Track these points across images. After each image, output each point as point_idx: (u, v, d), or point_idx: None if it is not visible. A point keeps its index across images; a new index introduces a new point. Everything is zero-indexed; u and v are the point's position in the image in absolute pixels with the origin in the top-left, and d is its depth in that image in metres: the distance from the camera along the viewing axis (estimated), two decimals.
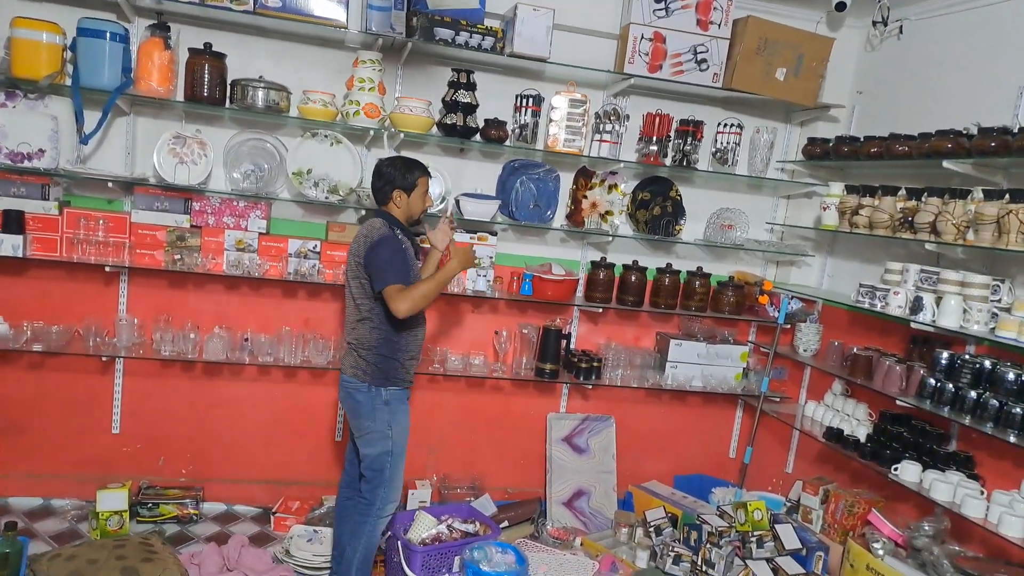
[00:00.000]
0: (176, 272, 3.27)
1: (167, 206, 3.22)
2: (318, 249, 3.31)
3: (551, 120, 3.39)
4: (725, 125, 3.62)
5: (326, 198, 3.22)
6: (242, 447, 3.58)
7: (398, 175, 2.67)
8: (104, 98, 2.99)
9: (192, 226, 3.24)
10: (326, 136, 3.27)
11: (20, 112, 3.00)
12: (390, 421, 2.64)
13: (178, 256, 3.21)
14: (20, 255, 3.02)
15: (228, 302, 3.44)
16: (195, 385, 3.49)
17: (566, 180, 3.62)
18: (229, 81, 3.11)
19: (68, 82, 2.98)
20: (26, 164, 2.99)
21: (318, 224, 3.46)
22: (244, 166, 3.26)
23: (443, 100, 3.31)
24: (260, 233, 3.29)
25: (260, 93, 3.08)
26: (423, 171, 2.71)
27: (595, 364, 3.60)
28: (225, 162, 3.25)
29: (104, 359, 3.33)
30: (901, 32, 3.42)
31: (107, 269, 3.16)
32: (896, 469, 2.94)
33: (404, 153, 3.45)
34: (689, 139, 3.54)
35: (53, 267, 3.23)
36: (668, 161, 3.58)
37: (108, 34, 2.93)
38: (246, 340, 3.37)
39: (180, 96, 3.12)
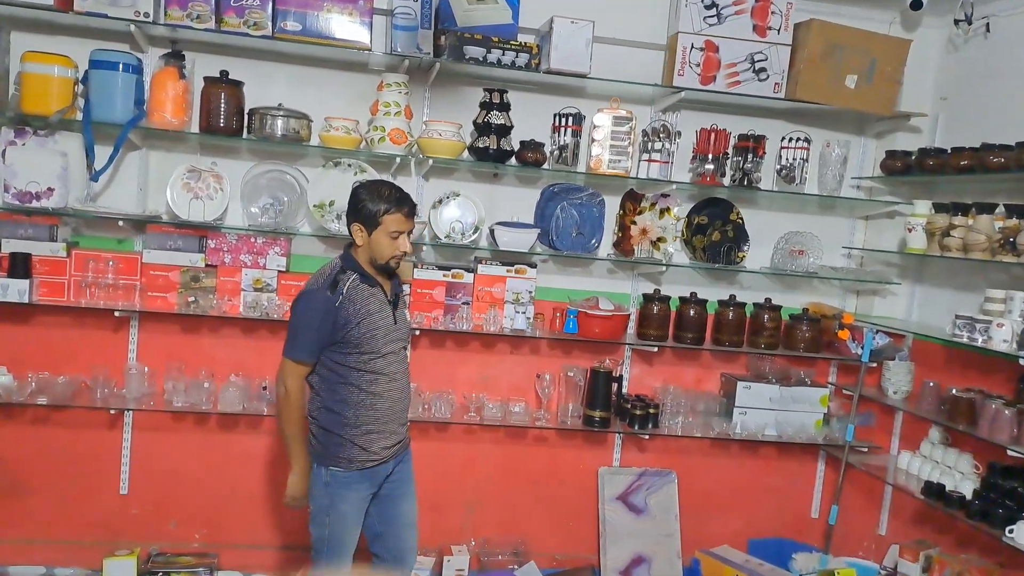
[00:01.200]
0: (189, 316, 3.33)
1: (180, 245, 3.31)
2: None
3: (593, 140, 3.41)
4: (790, 139, 3.61)
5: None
6: (262, 508, 3.61)
7: (360, 204, 2.48)
8: (116, 132, 3.09)
9: (207, 265, 3.32)
10: (349, 165, 3.35)
11: (30, 150, 3.12)
12: (328, 507, 2.54)
13: (192, 298, 3.28)
14: (26, 300, 3.11)
15: (245, 347, 3.50)
16: (209, 439, 3.54)
17: (612, 205, 3.63)
18: (247, 110, 3.20)
19: (79, 116, 3.08)
20: (34, 204, 3.10)
21: None
22: (262, 200, 3.34)
23: (474, 123, 3.36)
24: (279, 271, 3.36)
25: (279, 122, 3.16)
26: (397, 204, 2.46)
27: (651, 410, 3.59)
28: (242, 196, 3.33)
29: (112, 412, 3.39)
30: (988, 30, 3.40)
31: (116, 314, 3.23)
32: (1011, 531, 2.83)
33: (434, 181, 3.52)
34: (750, 156, 3.54)
35: (60, 313, 3.33)
36: (727, 181, 3.57)
37: (121, 65, 3.04)
38: (264, 388, 3.41)
39: (195, 127, 3.21)
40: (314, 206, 3.31)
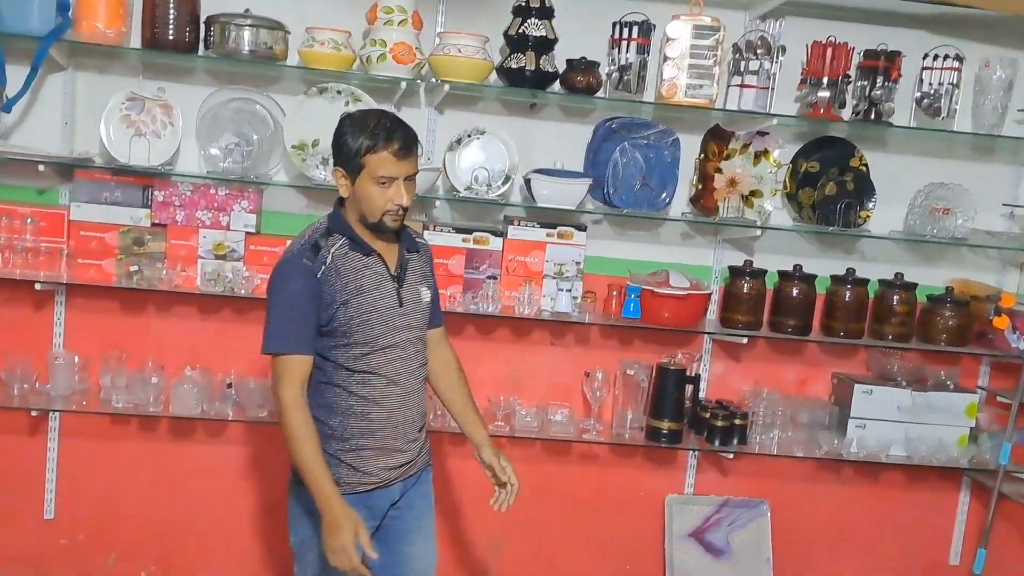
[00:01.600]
0: (132, 290, 3.33)
1: (119, 197, 3.31)
2: None
3: (666, 58, 3.34)
4: (935, 57, 3.52)
5: None
6: (227, 535, 3.64)
7: (341, 141, 2.42)
8: (32, 47, 3.07)
9: (154, 224, 3.32)
10: (339, 92, 3.31)
11: None
12: (312, 541, 2.52)
13: (135, 267, 3.28)
14: None
15: (204, 331, 3.51)
16: (159, 449, 3.56)
17: (689, 147, 3.59)
18: (203, 18, 3.18)
19: None
20: None
21: None
22: (225, 138, 3.32)
23: (505, 34, 3.31)
24: (248, 232, 3.35)
25: (246, 34, 3.14)
26: (385, 139, 2.37)
27: (737, 422, 3.57)
28: (198, 133, 3.32)
29: (33, 413, 3.41)
30: None
31: (37, 287, 3.22)
32: None
33: (452, 115, 3.49)
34: (879, 79, 3.45)
35: None
36: (847, 114, 3.50)
37: None
38: (229, 386, 3.41)
39: (136, 41, 3.20)
40: (292, 147, 3.30)
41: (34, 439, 3.49)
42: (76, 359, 3.37)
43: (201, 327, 3.50)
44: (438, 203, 3.43)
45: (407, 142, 2.41)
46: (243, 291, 3.29)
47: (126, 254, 3.28)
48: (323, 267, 2.42)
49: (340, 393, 2.50)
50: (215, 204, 3.32)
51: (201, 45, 3.18)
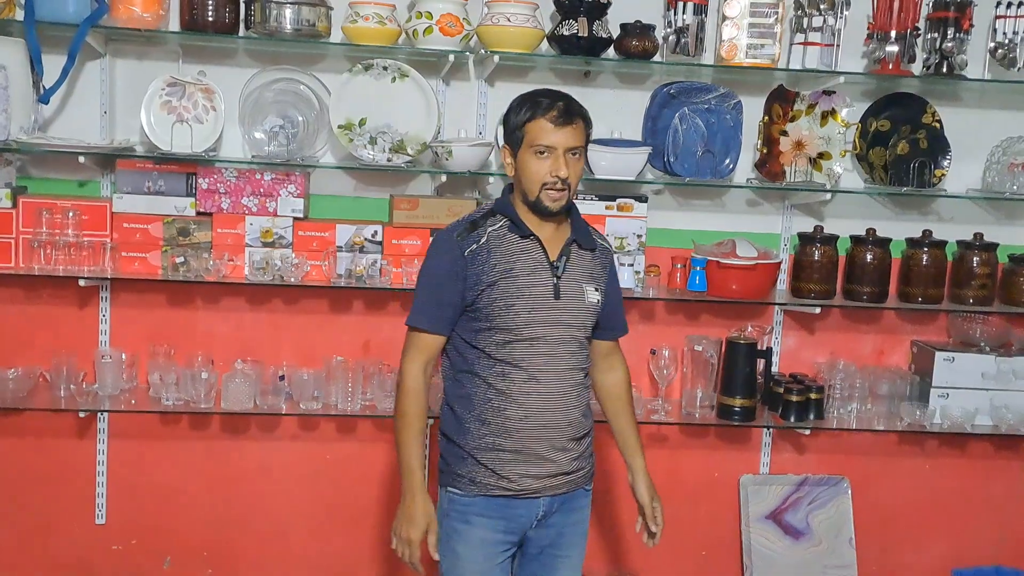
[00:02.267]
0: (178, 282, 3.34)
1: (162, 186, 3.29)
2: (380, 237, 3.33)
3: (725, 18, 3.33)
4: (1008, 5, 3.45)
5: (388, 160, 3.25)
6: (283, 537, 3.61)
7: (506, 117, 2.45)
8: (68, 35, 3.06)
9: (199, 213, 3.31)
10: (385, 68, 3.29)
11: None
12: (444, 546, 2.46)
13: (180, 259, 3.26)
14: None
15: (254, 323, 3.51)
16: (211, 447, 3.55)
17: (752, 110, 3.53)
18: None
19: (18, 15, 3.07)
20: None
21: (378, 200, 3.49)
22: (269, 121, 3.30)
23: (555, 1, 3.29)
24: (296, 218, 3.33)
25: (288, 11, 3.12)
26: (542, 107, 2.37)
27: (813, 396, 3.53)
28: (241, 117, 3.30)
29: (81, 415, 3.40)
30: None
31: (81, 283, 3.22)
32: None
33: (503, 86, 3.49)
34: (950, 30, 3.40)
35: (6, 283, 3.35)
36: (917, 68, 3.47)
37: None
38: (282, 378, 3.38)
39: (174, 24, 3.21)
40: (339, 127, 3.28)
41: (83, 441, 3.47)
42: (124, 356, 3.36)
43: (251, 319, 3.49)
44: (491, 179, 3.42)
45: (567, 111, 2.37)
46: (293, 279, 3.25)
47: (171, 245, 3.25)
48: (474, 246, 2.39)
49: (479, 384, 2.43)
50: (261, 190, 3.30)
51: (241, 25, 3.19)
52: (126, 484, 3.50)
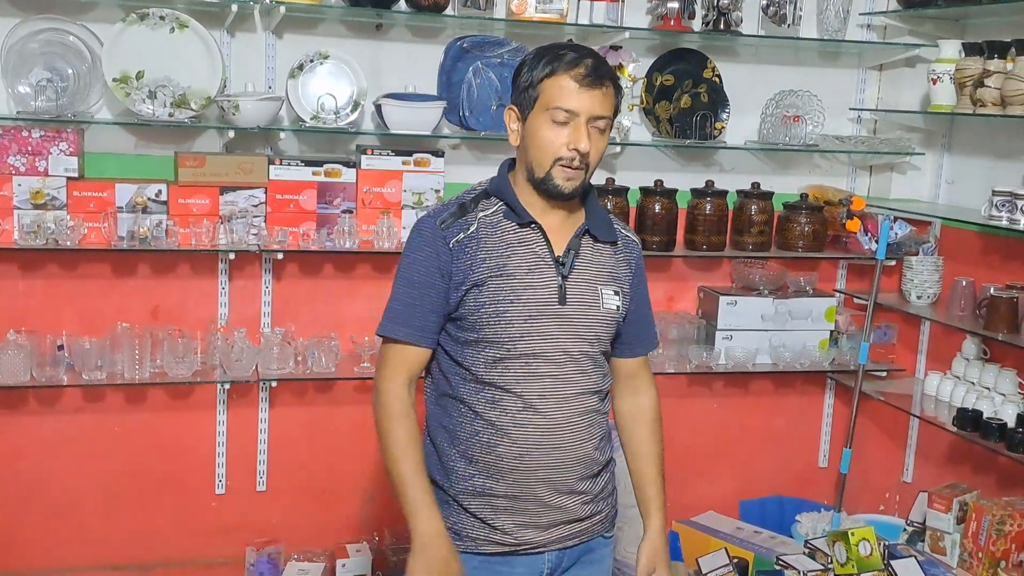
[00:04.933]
0: None
1: None
2: (164, 196, 3.24)
3: None
4: None
5: (171, 115, 3.16)
6: (71, 514, 3.50)
7: (518, 73, 2.01)
8: None
9: None
10: (162, 18, 3.19)
11: None
12: None
13: None
14: None
15: (28, 291, 3.37)
16: None
17: None
18: None
19: None
20: None
21: (161, 157, 3.39)
22: (36, 74, 3.16)
23: None
24: (69, 178, 3.19)
25: None
26: (567, 61, 1.93)
27: None
28: (4, 70, 3.14)
29: None
30: None
31: None
32: None
33: (292, 39, 3.43)
34: None
35: None
36: (697, 24, 3.56)
37: None
38: (61, 348, 3.26)
39: None
40: (114, 80, 3.16)
41: None
42: None
43: (24, 286, 3.33)
44: (283, 135, 3.36)
45: (597, 70, 1.94)
46: (69, 243, 3.13)
47: None
48: (461, 234, 2.00)
49: (464, 413, 2.03)
50: (29, 148, 3.14)
51: None
52: None
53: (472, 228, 2.00)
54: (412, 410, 2.01)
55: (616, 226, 2.13)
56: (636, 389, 2.23)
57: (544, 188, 1.98)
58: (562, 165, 1.94)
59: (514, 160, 2.09)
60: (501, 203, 2.03)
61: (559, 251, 2.02)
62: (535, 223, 2.01)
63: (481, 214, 2.02)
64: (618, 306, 2.06)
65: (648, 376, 2.26)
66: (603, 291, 2.04)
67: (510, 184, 2.04)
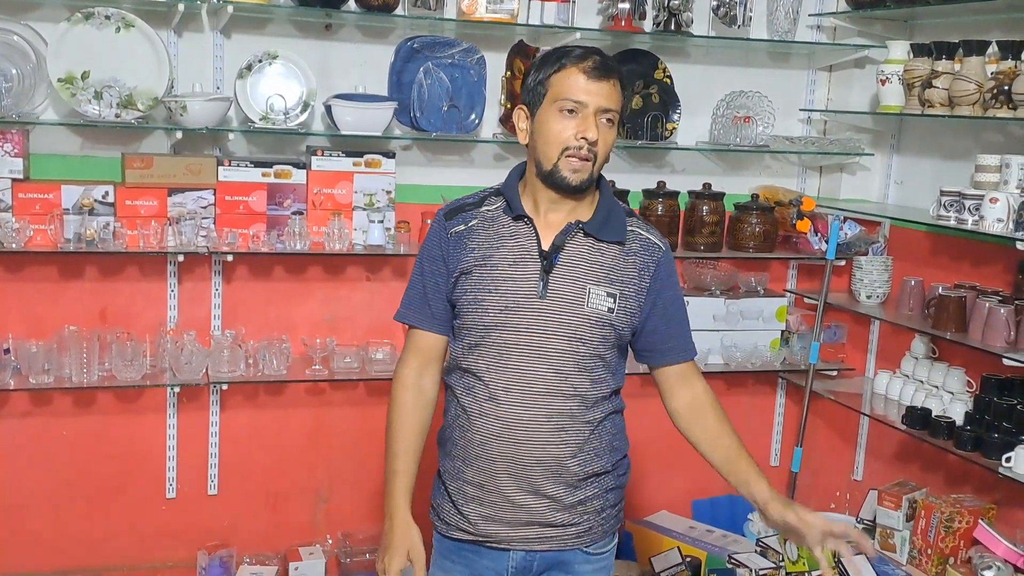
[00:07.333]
0: None
1: None
2: (112, 198, 3.25)
3: None
4: None
5: (117, 116, 3.17)
6: (20, 523, 3.50)
7: (528, 75, 2.10)
8: None
9: None
10: (108, 17, 3.20)
11: None
12: None
13: None
14: None
15: None
16: None
17: (495, 65, 3.59)
18: None
19: None
20: None
21: (108, 159, 3.39)
22: None
23: None
24: (15, 179, 3.19)
25: None
26: (575, 56, 2.01)
27: None
28: None
29: None
30: None
31: None
32: (1008, 460, 2.99)
33: (240, 39, 3.44)
34: None
35: None
36: (648, 25, 3.59)
37: None
38: (7, 351, 3.25)
39: None
40: (59, 80, 3.17)
41: None
42: None
43: None
44: (232, 136, 3.36)
45: (605, 64, 2.02)
46: (14, 245, 3.12)
47: None
48: (461, 226, 2.11)
49: (450, 397, 2.18)
50: None
51: None
52: None
53: (473, 222, 2.11)
54: (418, 394, 2.15)
55: (635, 228, 2.14)
56: (692, 387, 2.20)
57: (552, 181, 2.04)
58: (569, 156, 2.00)
59: (522, 166, 2.17)
60: (501, 199, 2.14)
61: (547, 246, 2.07)
62: (527, 218, 2.08)
63: (484, 209, 2.13)
64: (611, 308, 2.05)
65: (699, 375, 2.23)
66: (592, 290, 2.05)
67: (515, 182, 2.15)
